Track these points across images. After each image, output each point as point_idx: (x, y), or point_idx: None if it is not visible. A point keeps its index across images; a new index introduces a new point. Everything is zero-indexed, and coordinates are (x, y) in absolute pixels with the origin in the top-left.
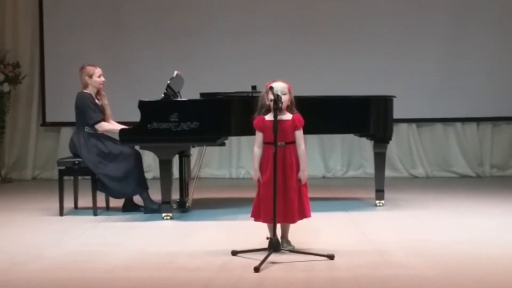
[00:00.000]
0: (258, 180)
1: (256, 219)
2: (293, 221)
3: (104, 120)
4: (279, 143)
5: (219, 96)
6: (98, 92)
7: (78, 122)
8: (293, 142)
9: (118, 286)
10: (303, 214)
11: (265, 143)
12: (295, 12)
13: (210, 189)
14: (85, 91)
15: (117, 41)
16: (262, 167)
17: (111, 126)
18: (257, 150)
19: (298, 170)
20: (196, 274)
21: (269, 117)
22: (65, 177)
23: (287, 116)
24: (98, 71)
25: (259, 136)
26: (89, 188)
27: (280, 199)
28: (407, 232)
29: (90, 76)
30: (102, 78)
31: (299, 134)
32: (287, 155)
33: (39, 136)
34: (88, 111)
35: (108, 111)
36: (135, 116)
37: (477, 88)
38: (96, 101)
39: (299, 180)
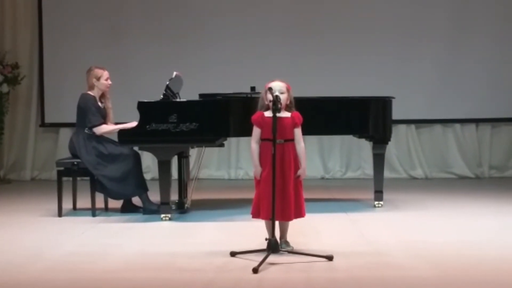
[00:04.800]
0: (260, 175)
1: (255, 216)
2: (290, 219)
3: (104, 123)
4: (278, 141)
5: (218, 97)
6: (102, 95)
7: (79, 123)
8: (292, 139)
9: (117, 287)
10: (299, 213)
11: (263, 139)
12: (294, 12)
13: (209, 190)
14: (89, 92)
15: (116, 42)
16: (260, 164)
17: (109, 127)
18: (255, 146)
19: (295, 167)
20: (195, 275)
21: (268, 113)
22: (64, 178)
23: (286, 114)
24: (105, 74)
25: (257, 131)
26: (88, 189)
27: (278, 197)
28: (406, 233)
29: (98, 79)
30: (109, 81)
31: (298, 131)
32: (285, 153)
33: (38, 137)
34: (88, 113)
35: (111, 115)
36: (134, 117)
37: (476, 89)
38: (99, 103)
39: (298, 176)
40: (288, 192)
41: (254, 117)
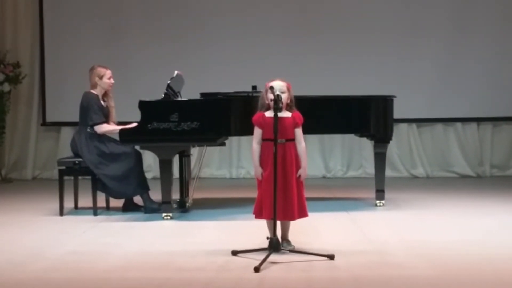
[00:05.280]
0: (261, 175)
1: (258, 217)
2: (293, 218)
3: (105, 122)
4: (279, 141)
5: (219, 96)
6: (105, 94)
7: (81, 122)
8: (293, 139)
9: (118, 286)
10: (303, 212)
11: (264, 139)
12: (295, 12)
13: (210, 189)
14: (92, 91)
15: (117, 41)
16: (262, 164)
17: (110, 127)
18: (257, 146)
19: (297, 167)
20: (196, 274)
21: (269, 113)
22: (65, 177)
23: (287, 113)
24: (108, 73)
25: (258, 132)
26: (89, 188)
27: (280, 197)
28: (407, 232)
29: (101, 78)
30: (112, 80)
31: (299, 131)
32: (287, 153)
33: (39, 136)
34: (90, 111)
35: (113, 113)
36: (135, 116)
37: (477, 88)
38: (102, 102)
39: (299, 176)
40: (291, 192)
41: (255, 117)
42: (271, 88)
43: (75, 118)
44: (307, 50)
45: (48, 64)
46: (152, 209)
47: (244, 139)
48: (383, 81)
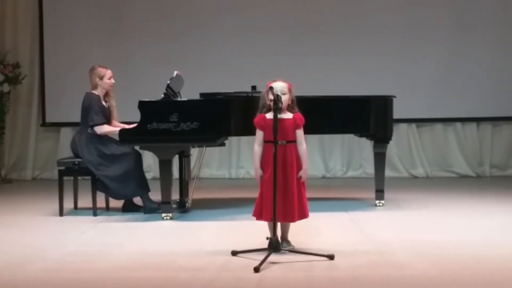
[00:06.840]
0: (261, 178)
1: (258, 218)
2: (293, 220)
3: (106, 123)
4: (279, 142)
5: (219, 96)
6: (106, 94)
7: (82, 123)
8: (294, 141)
9: (118, 286)
10: (303, 214)
11: (266, 141)
12: (295, 12)
13: (210, 189)
14: (93, 91)
15: (117, 41)
16: (263, 166)
17: (110, 128)
18: (258, 148)
19: (298, 169)
20: (196, 274)
21: (270, 115)
22: (65, 178)
23: (288, 115)
24: (109, 73)
25: (259, 134)
26: (89, 188)
27: (280, 198)
28: (407, 232)
29: (101, 78)
30: (112, 80)
31: (300, 133)
32: (287, 154)
33: (39, 137)
34: (91, 112)
35: (115, 113)
36: (135, 116)
37: (477, 88)
38: (103, 103)
39: (300, 178)
40: (291, 194)
41: (256, 119)
42: (271, 88)
43: (75, 118)
44: (307, 50)
45: (47, 65)
46: (151, 209)
47: (244, 139)
48: (383, 81)
